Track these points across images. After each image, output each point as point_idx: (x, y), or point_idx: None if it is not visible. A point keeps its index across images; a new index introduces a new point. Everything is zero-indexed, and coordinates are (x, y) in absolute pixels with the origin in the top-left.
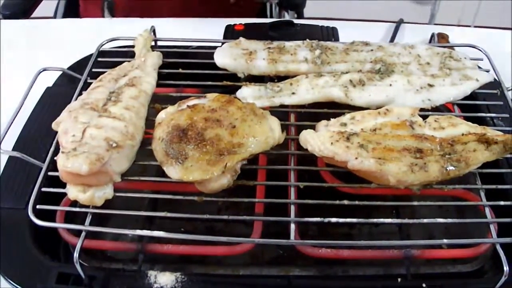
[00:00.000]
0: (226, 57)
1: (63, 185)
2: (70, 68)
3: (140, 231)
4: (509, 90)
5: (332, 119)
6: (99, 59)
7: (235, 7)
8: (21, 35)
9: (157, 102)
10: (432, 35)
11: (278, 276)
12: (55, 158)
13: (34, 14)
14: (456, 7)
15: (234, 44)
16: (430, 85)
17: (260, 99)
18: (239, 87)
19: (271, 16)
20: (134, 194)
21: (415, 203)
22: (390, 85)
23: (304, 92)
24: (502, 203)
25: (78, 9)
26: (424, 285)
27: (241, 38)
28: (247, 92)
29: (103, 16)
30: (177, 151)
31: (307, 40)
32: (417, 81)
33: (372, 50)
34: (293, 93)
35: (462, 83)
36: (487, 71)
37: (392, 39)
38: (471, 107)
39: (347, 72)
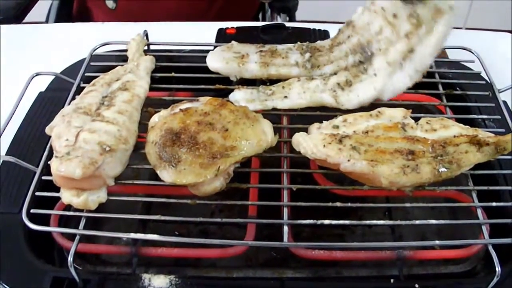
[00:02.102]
0: (218, 61)
1: (57, 189)
2: (63, 72)
3: (134, 235)
4: (500, 92)
5: (324, 122)
6: (92, 63)
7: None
8: (13, 40)
9: (150, 106)
10: None
11: (272, 278)
12: (48, 162)
13: (26, 19)
14: None
15: (226, 48)
16: (410, 51)
17: (253, 102)
18: (232, 90)
19: (264, 20)
20: (127, 197)
21: (408, 204)
22: (375, 74)
23: (296, 96)
24: (494, 204)
25: (70, 13)
26: (416, 285)
27: (233, 42)
28: (239, 95)
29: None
30: (170, 155)
31: (298, 42)
32: (397, 55)
33: (348, 36)
34: (285, 97)
35: (438, 27)
36: (479, 73)
37: None
38: (463, 109)
39: (335, 73)
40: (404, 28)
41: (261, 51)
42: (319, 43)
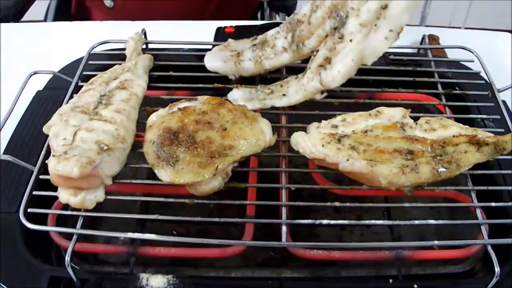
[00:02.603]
0: (216, 61)
1: (55, 188)
2: (61, 71)
3: (132, 234)
4: (500, 92)
5: (323, 121)
6: (90, 62)
7: (230, 9)
8: (11, 38)
9: (148, 104)
10: (423, 37)
11: (270, 278)
12: (46, 161)
13: (24, 18)
14: (447, 8)
15: (223, 47)
16: (383, 8)
17: (251, 101)
18: (230, 89)
19: (262, 18)
20: (125, 197)
21: (407, 204)
22: (351, 40)
23: (294, 93)
24: (493, 204)
25: (69, 11)
26: (415, 286)
27: (230, 40)
28: (238, 95)
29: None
30: (168, 154)
31: (284, 21)
32: (369, 15)
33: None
34: (283, 95)
35: None
36: (478, 72)
37: None
38: (462, 108)
39: (317, 51)
40: None
41: (254, 45)
42: (300, 13)
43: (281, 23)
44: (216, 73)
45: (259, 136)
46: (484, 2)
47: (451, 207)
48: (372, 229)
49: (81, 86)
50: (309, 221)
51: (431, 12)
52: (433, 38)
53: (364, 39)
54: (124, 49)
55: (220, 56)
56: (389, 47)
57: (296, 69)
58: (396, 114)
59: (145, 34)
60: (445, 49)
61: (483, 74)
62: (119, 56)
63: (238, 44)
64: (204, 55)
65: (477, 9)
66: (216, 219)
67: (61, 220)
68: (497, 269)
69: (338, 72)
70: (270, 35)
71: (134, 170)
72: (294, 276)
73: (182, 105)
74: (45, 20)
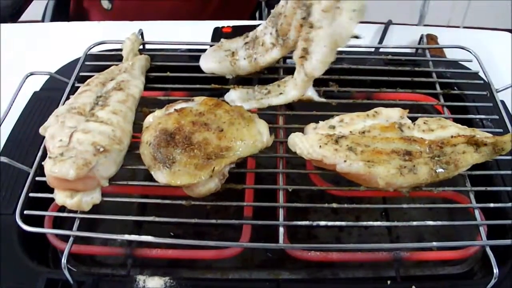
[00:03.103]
0: (211, 62)
1: (51, 190)
2: (57, 72)
3: (129, 236)
4: (498, 92)
5: (320, 122)
6: (87, 62)
7: (229, 9)
8: (8, 39)
9: (145, 105)
10: (421, 37)
11: (267, 279)
12: (42, 163)
13: (22, 18)
14: (445, 7)
15: (217, 48)
16: None
17: (249, 101)
18: (228, 90)
19: (260, 18)
20: (122, 198)
21: (405, 205)
22: (319, 27)
23: (289, 90)
24: (491, 205)
25: (67, 12)
26: (413, 287)
27: (222, 40)
28: (235, 95)
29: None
30: (165, 155)
31: (269, 16)
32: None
33: None
34: (280, 93)
35: None
36: (477, 72)
37: (381, 41)
38: (461, 108)
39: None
40: None
41: (246, 43)
42: (279, 5)
43: None
44: (213, 73)
45: (256, 137)
46: (483, 1)
47: (450, 208)
48: (370, 230)
49: (78, 87)
50: (307, 222)
51: (429, 11)
52: (431, 38)
53: (330, 24)
54: (121, 50)
55: (214, 57)
56: (388, 47)
57: (293, 69)
58: (394, 114)
59: (142, 34)
60: (444, 49)
61: (481, 74)
62: (116, 57)
63: (231, 43)
64: (197, 55)
65: (476, 8)
66: (213, 221)
67: (57, 222)
68: (495, 270)
69: (317, 60)
70: (259, 31)
71: (131, 171)
72: (291, 278)
73: (178, 106)
74: (42, 20)
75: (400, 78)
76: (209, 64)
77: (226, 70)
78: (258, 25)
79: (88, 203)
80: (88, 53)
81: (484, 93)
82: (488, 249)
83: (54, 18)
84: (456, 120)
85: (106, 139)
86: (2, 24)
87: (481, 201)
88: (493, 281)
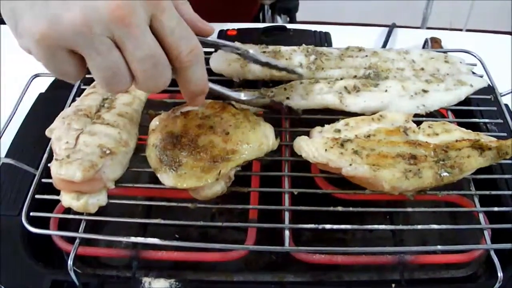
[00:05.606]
0: (221, 63)
1: (57, 191)
2: None
3: (134, 238)
4: (502, 96)
5: (326, 125)
6: None
7: (233, 11)
8: (13, 40)
9: (151, 108)
10: (426, 41)
11: (272, 282)
12: (48, 165)
13: None
14: (448, 10)
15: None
16: (425, 91)
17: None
18: None
19: (264, 21)
20: (128, 201)
21: (409, 209)
22: (386, 91)
23: (298, 98)
24: (496, 209)
25: None
26: None
27: (237, 43)
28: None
29: None
30: (171, 158)
31: (303, 45)
32: (412, 87)
33: (366, 56)
34: (287, 98)
35: (456, 88)
36: (481, 76)
37: (384, 44)
38: (465, 112)
39: (341, 79)
40: (426, 77)
41: (264, 52)
42: (325, 49)
43: (284, 26)
44: (219, 76)
45: (261, 140)
46: (486, 3)
47: (454, 211)
48: (375, 234)
49: (84, 89)
50: (312, 225)
51: (432, 13)
52: (436, 41)
53: (398, 97)
54: None
55: (225, 58)
56: (391, 50)
57: None
58: (399, 118)
59: None
60: (448, 53)
61: (486, 78)
62: None
63: (245, 48)
64: (206, 58)
65: (479, 10)
66: (219, 224)
67: (63, 224)
68: (500, 274)
69: (364, 101)
70: (285, 49)
71: (136, 174)
72: (296, 280)
73: (184, 109)
74: None
75: None
76: (219, 64)
77: (235, 72)
78: (264, 27)
79: (94, 205)
80: None
81: (488, 97)
82: (492, 253)
83: None
84: (460, 124)
85: (113, 142)
86: (6, 26)
87: (486, 205)
88: (497, 285)
